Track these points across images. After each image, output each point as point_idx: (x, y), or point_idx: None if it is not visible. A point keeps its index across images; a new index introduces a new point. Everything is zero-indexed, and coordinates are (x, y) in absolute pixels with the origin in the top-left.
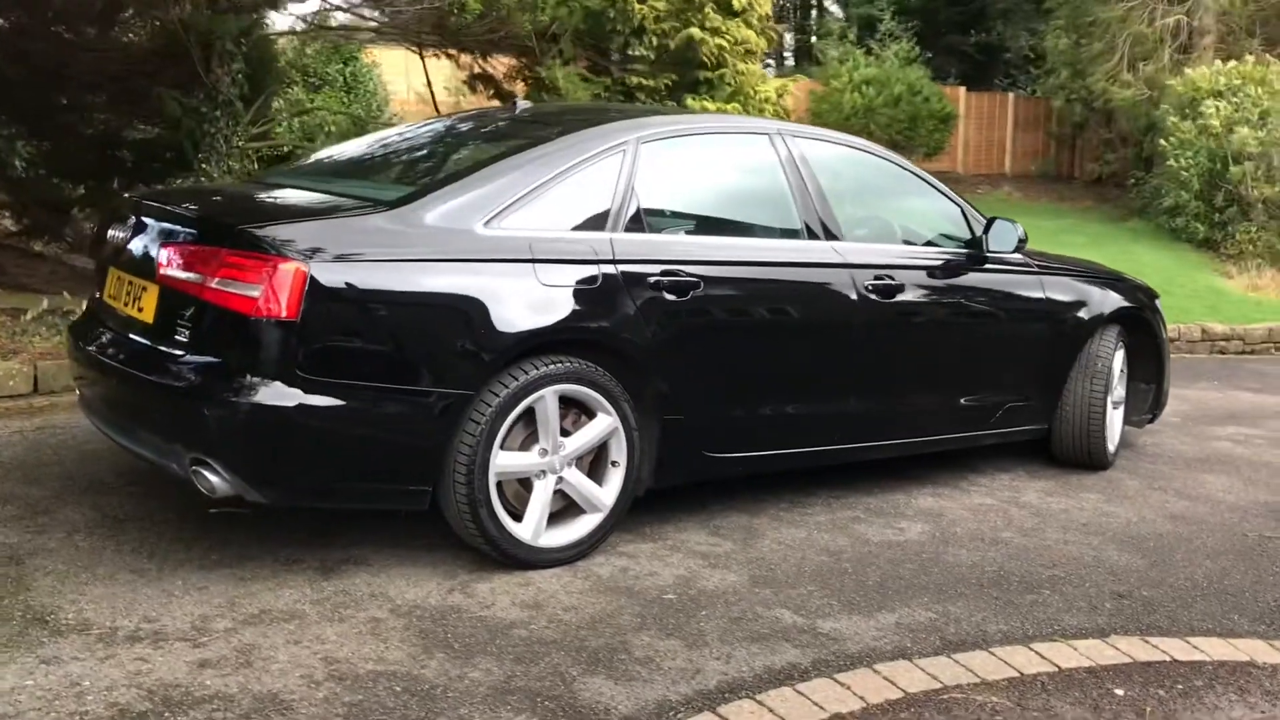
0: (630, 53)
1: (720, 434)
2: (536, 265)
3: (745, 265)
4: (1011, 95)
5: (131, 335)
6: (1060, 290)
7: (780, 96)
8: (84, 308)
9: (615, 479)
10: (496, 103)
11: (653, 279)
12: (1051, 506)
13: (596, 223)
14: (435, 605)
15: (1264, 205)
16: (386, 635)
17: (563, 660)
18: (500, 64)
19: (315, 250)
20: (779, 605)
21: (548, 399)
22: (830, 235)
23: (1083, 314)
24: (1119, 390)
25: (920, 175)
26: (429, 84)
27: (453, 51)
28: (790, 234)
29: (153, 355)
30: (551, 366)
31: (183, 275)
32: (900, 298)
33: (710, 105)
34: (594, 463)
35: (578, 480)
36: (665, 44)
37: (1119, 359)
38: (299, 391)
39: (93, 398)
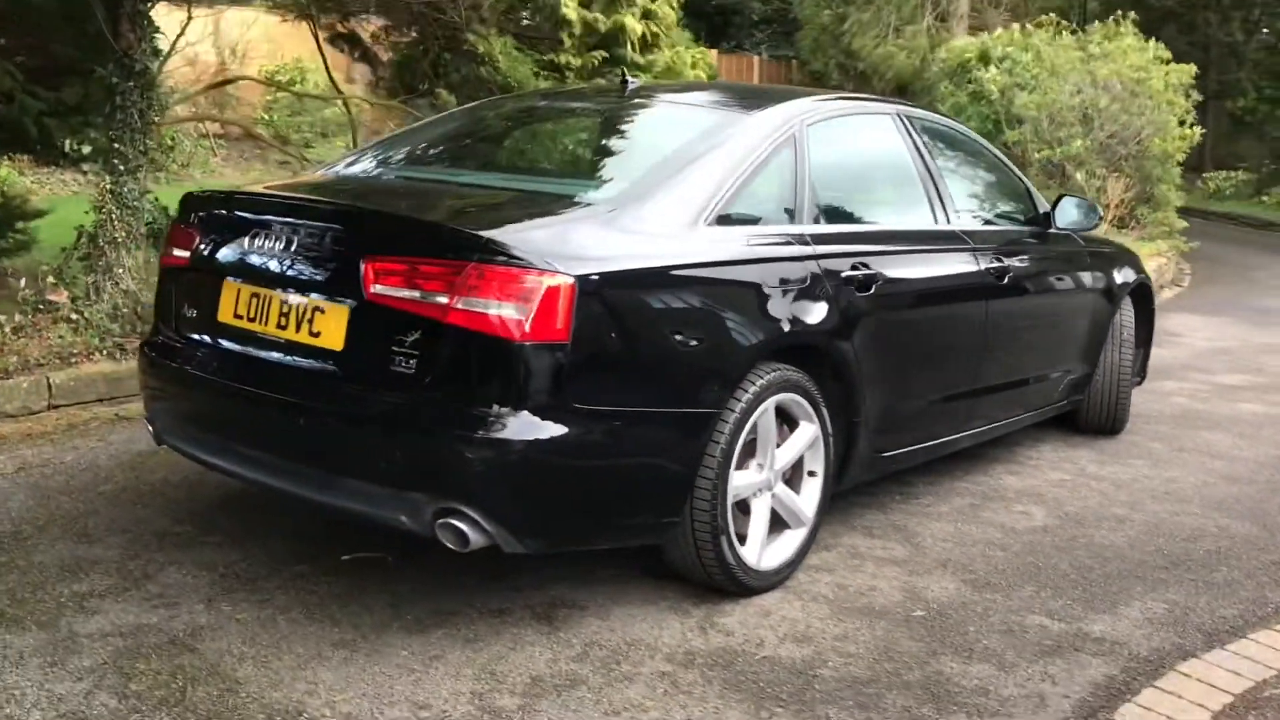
0: (556, 36)
1: (893, 430)
2: (759, 265)
3: (910, 254)
4: (757, 57)
5: (304, 362)
6: (1102, 263)
7: (694, 66)
8: (167, 326)
9: (813, 490)
10: (346, 63)
11: (845, 273)
12: (1119, 476)
13: (786, 215)
14: (706, 649)
15: (1039, 164)
16: (699, 692)
17: (906, 700)
18: (366, 29)
19: (576, 259)
20: (1026, 611)
21: (770, 411)
22: (950, 217)
23: (1116, 285)
24: None
25: (992, 150)
26: (321, 51)
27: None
28: (923, 217)
29: (359, 389)
30: (773, 375)
31: (407, 294)
32: (1008, 278)
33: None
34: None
35: (785, 495)
36: (595, 29)
37: None
38: (573, 424)
39: (216, 436)
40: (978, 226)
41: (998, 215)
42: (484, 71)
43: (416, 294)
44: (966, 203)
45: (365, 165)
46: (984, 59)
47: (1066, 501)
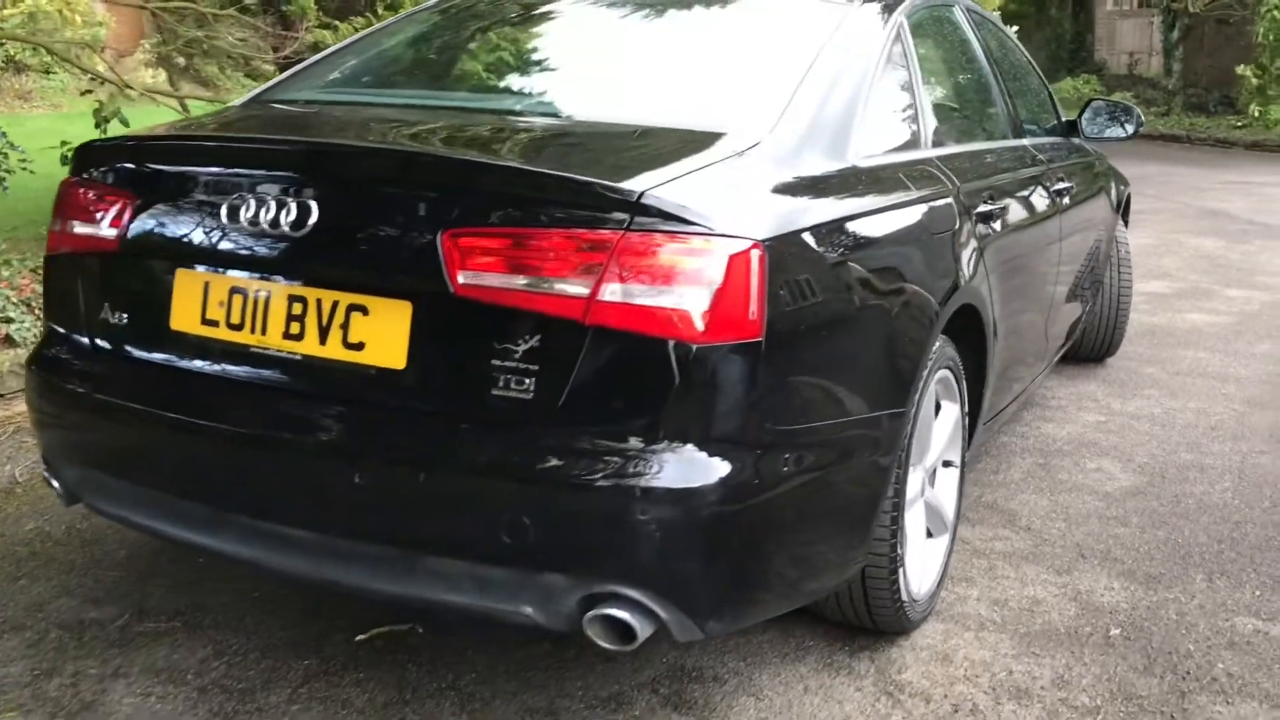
0: None
1: (999, 393)
2: (919, 208)
3: (1013, 180)
4: None
5: (338, 389)
6: (1111, 176)
7: None
8: (74, 334)
9: (950, 485)
10: None
11: (980, 209)
12: (1149, 411)
13: (910, 138)
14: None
15: None
16: None
17: None
18: None
19: (750, 218)
20: (1222, 612)
21: (932, 395)
22: (1020, 130)
23: (1117, 200)
24: None
25: (1020, 47)
26: None
27: None
28: (1004, 131)
29: (441, 425)
30: (936, 347)
31: (519, 283)
32: (1067, 200)
33: None
34: None
35: (933, 498)
36: None
37: None
38: (770, 456)
39: (194, 503)
40: (1036, 140)
41: (1034, 124)
42: None
43: (533, 282)
44: (1021, 112)
45: (332, 90)
46: None
47: (1133, 453)
